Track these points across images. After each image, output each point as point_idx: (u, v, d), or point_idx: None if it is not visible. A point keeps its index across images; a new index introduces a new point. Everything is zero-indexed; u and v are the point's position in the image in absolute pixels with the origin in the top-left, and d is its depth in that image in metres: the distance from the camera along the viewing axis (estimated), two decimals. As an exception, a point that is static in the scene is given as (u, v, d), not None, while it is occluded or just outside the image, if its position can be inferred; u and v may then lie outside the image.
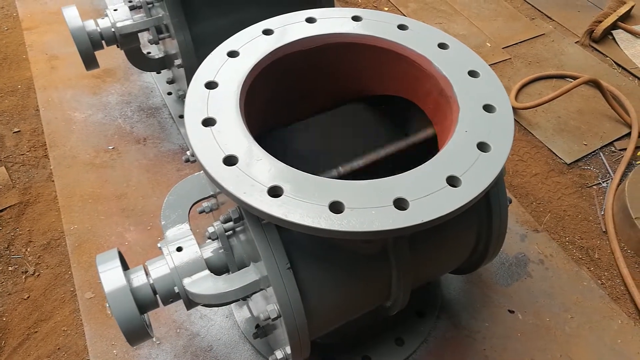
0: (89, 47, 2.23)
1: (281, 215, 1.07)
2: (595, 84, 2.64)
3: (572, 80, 2.82)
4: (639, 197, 2.23)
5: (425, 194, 1.12)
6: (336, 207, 1.09)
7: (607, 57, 3.10)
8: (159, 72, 2.85)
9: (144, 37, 2.39)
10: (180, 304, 1.93)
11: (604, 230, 2.28)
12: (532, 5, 3.46)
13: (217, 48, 1.45)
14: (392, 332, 1.88)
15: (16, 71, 2.92)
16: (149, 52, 2.79)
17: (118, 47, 2.37)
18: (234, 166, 1.16)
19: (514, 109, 2.73)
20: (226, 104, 1.29)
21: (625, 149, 2.55)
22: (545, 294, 2.02)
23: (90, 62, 2.28)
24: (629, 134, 2.63)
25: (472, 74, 1.39)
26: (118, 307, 1.33)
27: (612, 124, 2.70)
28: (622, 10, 3.19)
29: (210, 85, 1.34)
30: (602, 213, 2.34)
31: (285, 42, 1.46)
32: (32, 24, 3.18)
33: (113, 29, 2.26)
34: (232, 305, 1.95)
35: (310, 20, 1.54)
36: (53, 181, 2.35)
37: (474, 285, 2.05)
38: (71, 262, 2.05)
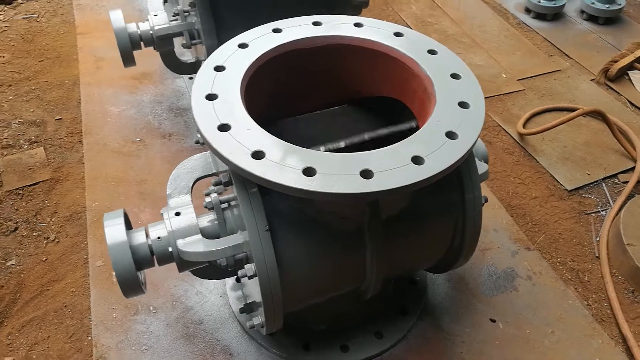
0: (128, 46, 2.50)
1: (259, 173, 1.22)
2: (600, 115, 2.72)
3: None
4: (633, 224, 2.27)
5: (390, 168, 1.25)
6: (309, 172, 1.23)
7: (621, 95, 3.17)
8: (190, 78, 3.10)
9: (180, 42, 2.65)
10: (179, 280, 2.09)
11: (597, 255, 2.31)
12: (552, 43, 3.58)
13: (231, 40, 1.64)
14: (372, 325, 1.96)
15: (66, 69, 3.23)
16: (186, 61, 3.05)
17: (155, 49, 2.63)
18: (226, 132, 1.32)
19: (520, 135, 2.82)
20: (230, 84, 1.47)
21: (628, 182, 2.59)
22: (528, 308, 2.07)
23: (128, 59, 2.54)
24: (633, 168, 2.67)
25: (454, 76, 1.53)
26: (117, 259, 1.49)
27: (618, 157, 2.75)
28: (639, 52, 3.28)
29: (219, 68, 1.52)
30: (598, 239, 2.38)
31: (291, 40, 1.65)
32: (85, 30, 3.52)
33: (151, 32, 2.52)
34: (226, 286, 2.08)
35: (316, 23, 1.72)
36: (83, 163, 2.58)
37: (460, 292, 2.12)
38: (88, 233, 2.25)
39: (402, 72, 1.63)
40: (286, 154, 1.28)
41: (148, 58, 2.85)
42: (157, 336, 1.93)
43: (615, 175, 2.67)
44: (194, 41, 2.58)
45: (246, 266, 1.43)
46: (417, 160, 1.27)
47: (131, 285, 1.53)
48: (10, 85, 3.06)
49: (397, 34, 1.69)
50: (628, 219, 2.30)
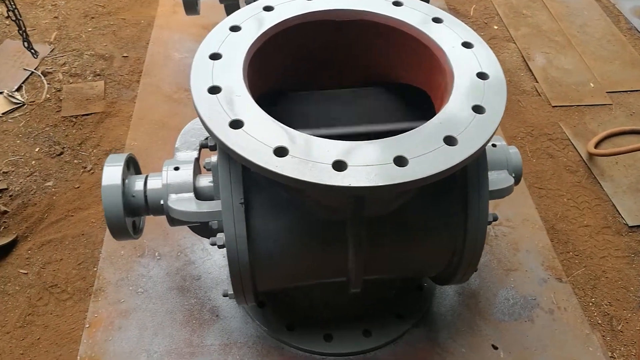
0: (191, -7, 2.52)
1: (229, 143, 1.17)
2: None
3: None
4: (693, 281, 1.95)
5: (366, 164, 1.13)
6: (280, 152, 1.16)
7: None
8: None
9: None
10: (189, 233, 2.11)
11: (642, 305, 2.03)
12: (664, 57, 3.12)
13: (258, 1, 1.57)
14: (363, 322, 1.87)
15: (145, 9, 3.35)
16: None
17: (219, 1, 2.63)
18: (214, 95, 1.28)
19: (589, 154, 2.51)
20: (239, 46, 1.41)
21: None
22: (539, 344, 1.87)
23: (190, 7, 2.57)
24: None
25: (481, 75, 1.36)
26: (108, 201, 1.51)
27: None
28: None
29: (234, 28, 1.47)
30: (648, 288, 2.08)
31: (319, 9, 1.54)
32: (173, -26, 3.61)
33: (216, -17, 2.52)
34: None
35: (354, -5, 1.60)
36: (135, 103, 2.69)
37: (468, 309, 1.96)
38: (120, 170, 2.35)
39: (430, 62, 1.48)
40: (264, 128, 1.20)
41: (221, 10, 2.86)
42: (154, 282, 1.99)
43: (694, 221, 2.30)
44: (256, -1, 2.54)
45: (218, 234, 1.40)
46: (399, 161, 1.15)
47: (118, 229, 1.56)
48: (92, 17, 3.24)
49: (436, 20, 1.52)
50: (689, 273, 1.98)
